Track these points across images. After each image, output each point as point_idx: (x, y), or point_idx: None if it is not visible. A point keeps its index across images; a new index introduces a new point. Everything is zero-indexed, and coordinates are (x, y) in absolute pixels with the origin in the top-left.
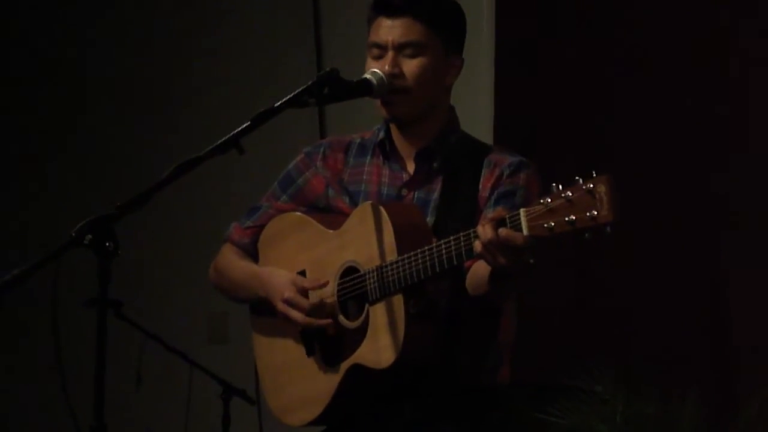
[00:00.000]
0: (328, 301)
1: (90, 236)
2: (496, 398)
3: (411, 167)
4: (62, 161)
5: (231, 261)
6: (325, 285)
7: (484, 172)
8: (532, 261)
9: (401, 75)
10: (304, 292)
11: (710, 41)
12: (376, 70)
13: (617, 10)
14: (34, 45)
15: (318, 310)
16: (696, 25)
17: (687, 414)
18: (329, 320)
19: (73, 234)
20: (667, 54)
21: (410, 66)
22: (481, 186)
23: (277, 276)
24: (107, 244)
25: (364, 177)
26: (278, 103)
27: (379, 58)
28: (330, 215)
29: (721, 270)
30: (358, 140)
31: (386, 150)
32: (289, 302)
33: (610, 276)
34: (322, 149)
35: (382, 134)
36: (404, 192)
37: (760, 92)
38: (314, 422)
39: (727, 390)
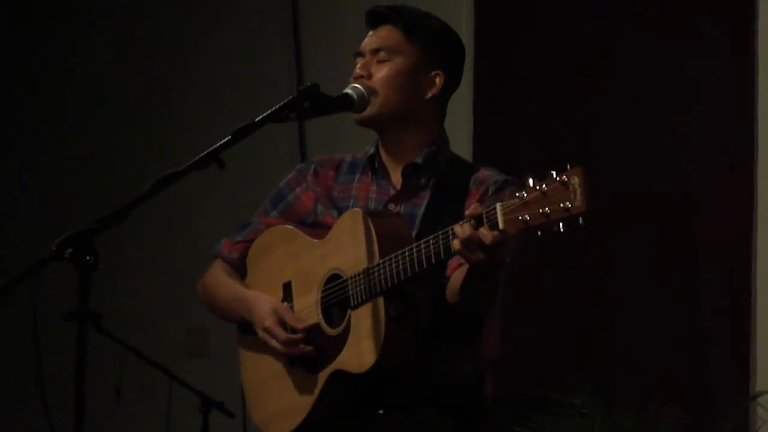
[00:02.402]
0: (312, 314)
1: (70, 250)
2: (479, 411)
3: (398, 182)
4: (42, 174)
5: (218, 280)
6: (302, 326)
7: (471, 189)
8: (508, 259)
9: (368, 77)
10: (283, 323)
11: (688, 44)
12: (356, 85)
13: (597, 21)
14: (15, 56)
15: (295, 341)
16: (671, 32)
17: (665, 427)
18: (309, 348)
19: (54, 247)
20: (646, 63)
21: (380, 70)
22: (467, 203)
23: (260, 302)
24: (87, 257)
25: (353, 192)
26: (259, 118)
27: None
28: (318, 229)
29: (698, 283)
30: (349, 159)
31: (375, 165)
32: (268, 332)
33: (589, 289)
34: (313, 166)
35: (372, 150)
36: (391, 206)
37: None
38: None
39: (704, 404)
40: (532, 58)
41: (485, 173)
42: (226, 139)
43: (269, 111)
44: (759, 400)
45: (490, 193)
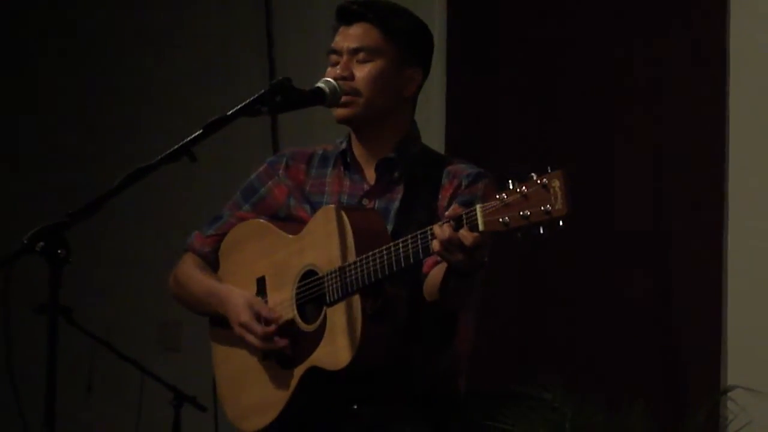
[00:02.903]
0: (286, 310)
1: (42, 243)
2: (452, 406)
3: (371, 177)
4: (15, 167)
5: (190, 274)
6: (278, 320)
7: (444, 182)
8: (486, 259)
9: (351, 78)
10: (259, 317)
11: (661, 43)
12: (328, 79)
13: (572, 18)
14: None
15: (272, 334)
16: (645, 31)
17: (635, 422)
18: (285, 342)
19: (25, 241)
20: (619, 61)
21: (362, 70)
22: (440, 196)
23: (234, 296)
24: (59, 251)
25: (326, 188)
26: (231, 111)
27: (336, 64)
28: (291, 223)
29: (668, 278)
30: (320, 152)
31: (347, 160)
32: (244, 327)
33: (559, 285)
34: (284, 159)
35: (344, 145)
36: (365, 202)
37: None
38: (269, 428)
39: (675, 398)
40: (505, 53)
41: (458, 166)
42: (198, 132)
43: (241, 105)
44: (729, 394)
45: (463, 187)
